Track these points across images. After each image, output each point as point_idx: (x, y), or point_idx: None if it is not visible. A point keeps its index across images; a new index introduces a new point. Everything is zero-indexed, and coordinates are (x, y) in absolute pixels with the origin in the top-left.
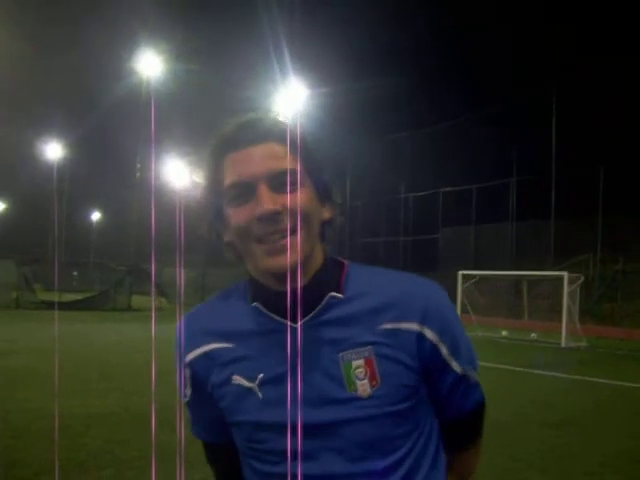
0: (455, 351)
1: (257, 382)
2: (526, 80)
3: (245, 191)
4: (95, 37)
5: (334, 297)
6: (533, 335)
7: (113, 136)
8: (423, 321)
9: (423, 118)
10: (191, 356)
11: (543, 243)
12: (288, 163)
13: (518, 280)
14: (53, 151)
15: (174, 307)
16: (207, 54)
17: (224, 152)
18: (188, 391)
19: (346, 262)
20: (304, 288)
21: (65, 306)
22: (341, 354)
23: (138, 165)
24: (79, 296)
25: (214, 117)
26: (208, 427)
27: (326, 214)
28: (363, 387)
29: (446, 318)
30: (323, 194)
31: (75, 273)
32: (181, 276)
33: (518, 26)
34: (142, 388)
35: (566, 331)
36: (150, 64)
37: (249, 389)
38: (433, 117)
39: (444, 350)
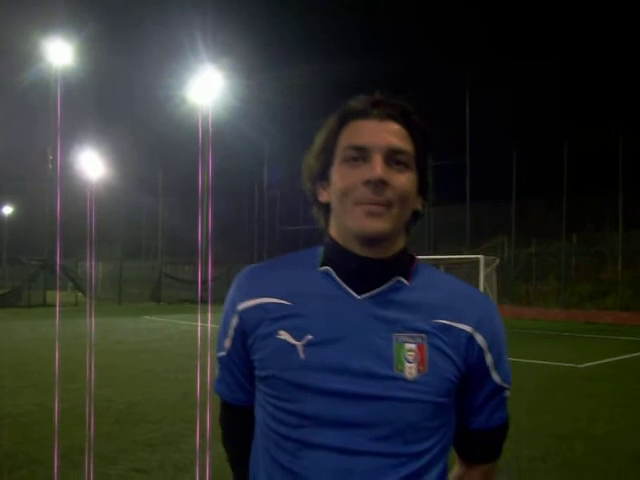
0: (499, 363)
1: (303, 342)
2: (441, 64)
3: (360, 155)
4: None
5: (401, 281)
6: None
7: (23, 127)
8: (477, 326)
9: (338, 105)
10: (245, 305)
11: (459, 227)
12: (406, 145)
13: (435, 264)
14: None
15: (90, 301)
16: (119, 42)
17: (350, 118)
18: (227, 343)
19: (416, 257)
20: (378, 262)
21: None
22: (395, 334)
23: (50, 157)
24: None
25: (126, 107)
26: (233, 386)
27: (418, 205)
28: (410, 370)
29: (497, 331)
30: (422, 185)
31: None
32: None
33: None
34: (56, 386)
35: None
36: (60, 52)
37: (293, 346)
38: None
39: (489, 358)
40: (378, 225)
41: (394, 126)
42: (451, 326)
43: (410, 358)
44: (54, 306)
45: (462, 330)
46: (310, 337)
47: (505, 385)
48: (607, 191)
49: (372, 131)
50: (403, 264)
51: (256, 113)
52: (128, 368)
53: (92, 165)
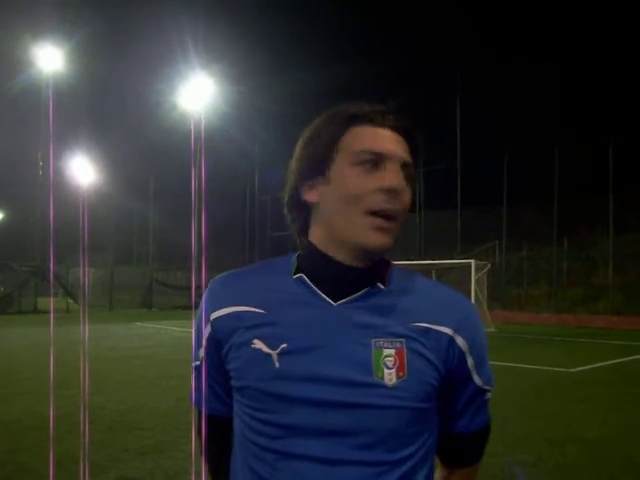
0: (480, 365)
1: (278, 351)
2: (431, 69)
3: (375, 160)
4: None
5: (377, 287)
6: None
7: (14, 133)
8: (457, 329)
9: (329, 110)
10: (217, 314)
11: (450, 232)
12: (410, 159)
13: (427, 269)
14: None
15: (82, 308)
16: (110, 47)
17: (356, 122)
18: (201, 352)
19: (391, 262)
20: (358, 270)
21: None
22: (373, 340)
23: (40, 163)
24: None
25: (117, 113)
26: (209, 395)
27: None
28: (390, 376)
29: (478, 333)
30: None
31: None
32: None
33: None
34: (47, 392)
35: None
36: (50, 58)
37: (267, 356)
38: None
39: (470, 361)
40: (383, 241)
41: (401, 139)
42: (430, 329)
43: (389, 364)
44: (45, 313)
45: (442, 333)
46: (285, 346)
47: (487, 387)
48: (598, 196)
49: (388, 140)
50: (378, 270)
51: (247, 119)
52: (120, 375)
53: (83, 171)
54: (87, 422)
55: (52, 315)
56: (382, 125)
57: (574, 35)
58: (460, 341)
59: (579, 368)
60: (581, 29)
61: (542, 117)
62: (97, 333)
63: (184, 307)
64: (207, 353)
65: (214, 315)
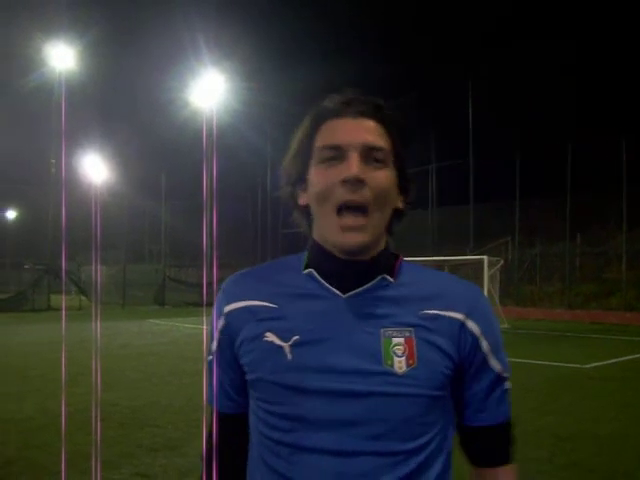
0: (495, 350)
1: (290, 343)
2: (443, 66)
3: (336, 154)
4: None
5: (385, 279)
6: None
7: (27, 131)
8: (468, 314)
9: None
10: (231, 307)
11: (463, 228)
12: (382, 141)
13: (439, 265)
14: None
15: (94, 305)
16: (122, 45)
17: (324, 118)
18: (214, 345)
19: (401, 255)
20: (362, 264)
21: None
22: (382, 330)
23: (52, 161)
24: None
25: (129, 110)
26: (219, 390)
27: (400, 203)
28: (400, 364)
29: (490, 319)
30: (403, 183)
31: None
32: (99, 272)
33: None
34: (60, 390)
35: None
36: (62, 56)
37: (279, 348)
38: None
39: (485, 345)
40: (358, 239)
41: (369, 123)
42: (440, 315)
43: (399, 352)
44: (58, 310)
45: (453, 318)
46: (297, 338)
47: (506, 375)
48: (611, 191)
49: (346, 129)
50: (386, 263)
51: (259, 116)
52: (133, 372)
53: (95, 169)
54: (99, 419)
55: (64, 312)
56: (342, 115)
57: (588, 31)
58: (472, 325)
59: (592, 364)
60: (594, 25)
61: (555, 112)
62: (110, 330)
63: (196, 304)
64: (220, 346)
65: (228, 308)
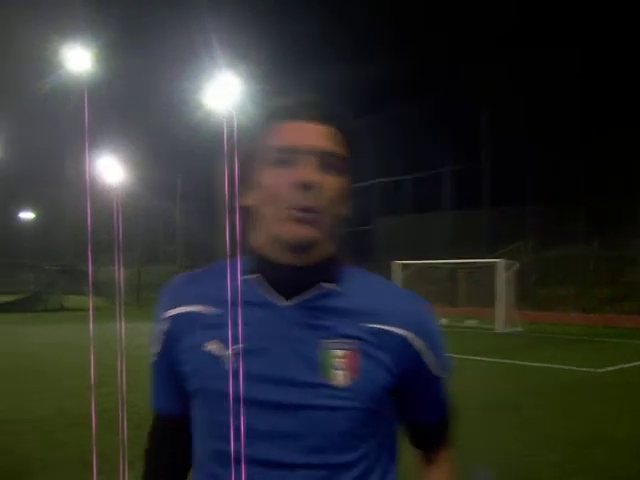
0: (439, 359)
1: (230, 351)
2: (459, 70)
3: (291, 157)
4: (17, 31)
5: (329, 287)
6: (471, 322)
7: (42, 133)
8: (413, 330)
9: (358, 109)
10: (173, 312)
11: (478, 231)
12: (338, 149)
13: (455, 268)
14: None
15: (111, 306)
16: (137, 48)
17: (279, 118)
18: (157, 348)
19: (346, 262)
20: (305, 269)
21: None
22: (323, 341)
23: (69, 163)
24: (11, 298)
25: (145, 113)
26: (167, 395)
27: (345, 210)
28: (339, 377)
29: (433, 332)
30: (349, 191)
31: (6, 274)
32: (120, 273)
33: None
34: (76, 390)
35: (504, 317)
36: (78, 58)
37: (219, 357)
38: (368, 108)
39: (429, 358)
40: (309, 232)
41: (323, 128)
42: (383, 330)
43: (339, 365)
44: (73, 310)
45: (397, 334)
46: (236, 347)
47: (446, 376)
48: (626, 195)
49: (305, 133)
50: (329, 270)
51: None
52: (149, 372)
53: (111, 171)
54: (125, 420)
55: (91, 312)
56: (297, 118)
57: (601, 31)
58: (416, 342)
59: (607, 368)
60: (607, 26)
61: (570, 115)
62: (126, 331)
63: None
64: (160, 351)
65: (170, 312)
